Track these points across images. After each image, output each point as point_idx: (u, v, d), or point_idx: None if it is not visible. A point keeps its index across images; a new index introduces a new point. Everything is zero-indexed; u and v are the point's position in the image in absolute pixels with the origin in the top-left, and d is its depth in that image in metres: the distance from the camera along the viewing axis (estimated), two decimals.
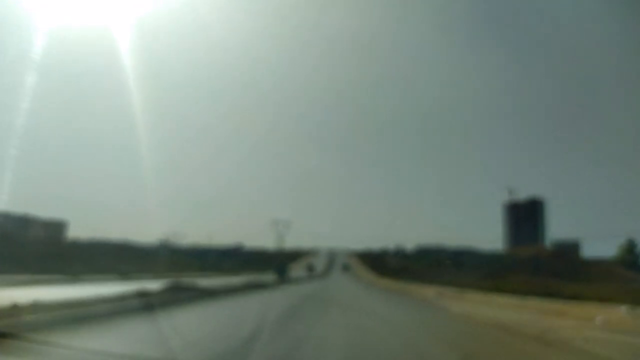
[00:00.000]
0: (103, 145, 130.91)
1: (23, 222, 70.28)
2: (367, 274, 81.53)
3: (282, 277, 49.09)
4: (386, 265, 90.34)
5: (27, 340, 6.35)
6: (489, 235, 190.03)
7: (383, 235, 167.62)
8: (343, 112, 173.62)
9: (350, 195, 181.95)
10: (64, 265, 34.38)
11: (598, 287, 25.98)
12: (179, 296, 17.27)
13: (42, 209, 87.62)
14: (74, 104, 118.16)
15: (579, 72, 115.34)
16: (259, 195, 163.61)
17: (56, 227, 78.96)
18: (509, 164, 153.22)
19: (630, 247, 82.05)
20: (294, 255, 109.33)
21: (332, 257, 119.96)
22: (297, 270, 78.73)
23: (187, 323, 12.12)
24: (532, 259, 69.88)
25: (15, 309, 9.26)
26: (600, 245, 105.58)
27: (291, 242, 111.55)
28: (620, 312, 13.33)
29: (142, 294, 14.76)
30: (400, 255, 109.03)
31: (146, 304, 13.05)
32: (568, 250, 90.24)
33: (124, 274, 32.37)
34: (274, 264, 61.43)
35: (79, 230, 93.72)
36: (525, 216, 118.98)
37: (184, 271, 49.50)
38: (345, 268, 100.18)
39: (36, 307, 9.71)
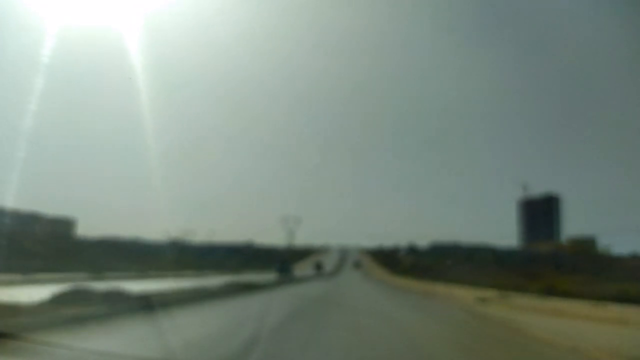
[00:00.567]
0: (113, 144, 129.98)
1: (31, 220, 69.51)
2: (381, 272, 79.29)
3: (286, 275, 45.34)
4: (400, 262, 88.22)
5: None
6: (502, 232, 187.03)
7: (395, 232, 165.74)
8: (355, 108, 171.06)
9: (362, 192, 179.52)
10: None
11: None
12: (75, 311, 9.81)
13: (52, 208, 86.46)
14: (83, 103, 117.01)
15: (594, 66, 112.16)
16: (271, 192, 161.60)
17: (64, 225, 78.27)
18: (522, 159, 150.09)
19: None
20: (304, 253, 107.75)
21: (343, 254, 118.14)
22: (304, 268, 76.65)
23: None
24: (552, 255, 67.38)
25: None
26: (616, 242, 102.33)
27: (302, 240, 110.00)
28: None
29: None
30: (413, 252, 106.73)
31: None
32: (587, 247, 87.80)
33: (97, 273, 29.97)
34: (276, 262, 57.52)
35: (89, 228, 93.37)
36: (540, 212, 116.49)
37: (185, 269, 48.21)
38: (357, 265, 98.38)
39: None
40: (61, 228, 76.48)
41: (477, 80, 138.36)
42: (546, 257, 66.44)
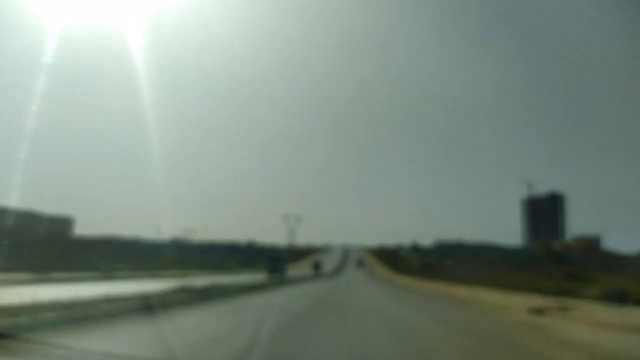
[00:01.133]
0: (114, 143, 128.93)
1: (28, 219, 68.00)
2: (386, 271, 77.59)
3: (277, 275, 38.80)
4: (404, 262, 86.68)
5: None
6: (506, 230, 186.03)
7: (397, 231, 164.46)
8: (359, 106, 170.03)
9: (365, 191, 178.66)
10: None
11: None
12: None
13: (50, 206, 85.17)
14: (84, 103, 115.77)
15: (600, 65, 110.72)
16: (274, 192, 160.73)
17: (62, 224, 76.85)
18: (527, 158, 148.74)
19: None
20: (306, 252, 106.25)
21: (346, 253, 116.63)
22: (303, 267, 73.57)
23: None
24: (562, 253, 65.93)
25: None
26: (620, 240, 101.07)
27: (305, 239, 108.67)
28: None
29: None
30: (417, 251, 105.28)
31: None
32: (595, 245, 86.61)
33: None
34: (266, 259, 48.66)
35: (89, 227, 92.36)
36: (545, 211, 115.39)
37: (180, 269, 46.68)
38: (360, 263, 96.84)
39: None
40: (59, 227, 75.10)
41: (481, 79, 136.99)
42: (555, 256, 64.90)
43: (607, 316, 13.36)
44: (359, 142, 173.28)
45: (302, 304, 17.24)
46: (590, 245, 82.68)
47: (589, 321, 12.76)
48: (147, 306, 11.44)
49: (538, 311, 14.97)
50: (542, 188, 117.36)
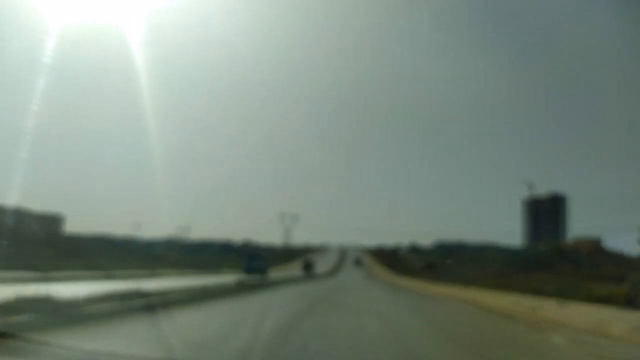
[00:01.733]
0: (111, 141, 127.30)
1: (16, 216, 65.81)
2: (387, 274, 75.30)
3: (258, 277, 32.45)
4: (404, 262, 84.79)
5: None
6: (506, 231, 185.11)
7: (396, 231, 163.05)
8: (355, 105, 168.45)
9: (363, 191, 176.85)
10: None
11: None
12: None
13: (40, 204, 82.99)
14: (84, 102, 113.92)
15: (601, 65, 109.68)
16: (270, 191, 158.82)
17: (52, 221, 74.50)
18: (528, 158, 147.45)
19: None
20: (302, 252, 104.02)
21: (343, 253, 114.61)
22: (294, 268, 67.26)
23: None
24: (570, 254, 64.35)
25: None
26: (621, 242, 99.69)
27: (301, 239, 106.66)
28: None
29: None
30: (417, 252, 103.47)
31: None
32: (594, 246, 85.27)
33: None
34: (244, 257, 41.75)
35: (81, 225, 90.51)
36: (546, 212, 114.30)
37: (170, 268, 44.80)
38: (358, 262, 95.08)
39: None
40: (49, 224, 72.88)
41: (482, 79, 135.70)
42: (559, 256, 63.26)
43: None
44: (358, 141, 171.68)
45: (257, 330, 8.92)
46: (596, 246, 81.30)
47: None
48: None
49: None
50: (544, 189, 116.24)
